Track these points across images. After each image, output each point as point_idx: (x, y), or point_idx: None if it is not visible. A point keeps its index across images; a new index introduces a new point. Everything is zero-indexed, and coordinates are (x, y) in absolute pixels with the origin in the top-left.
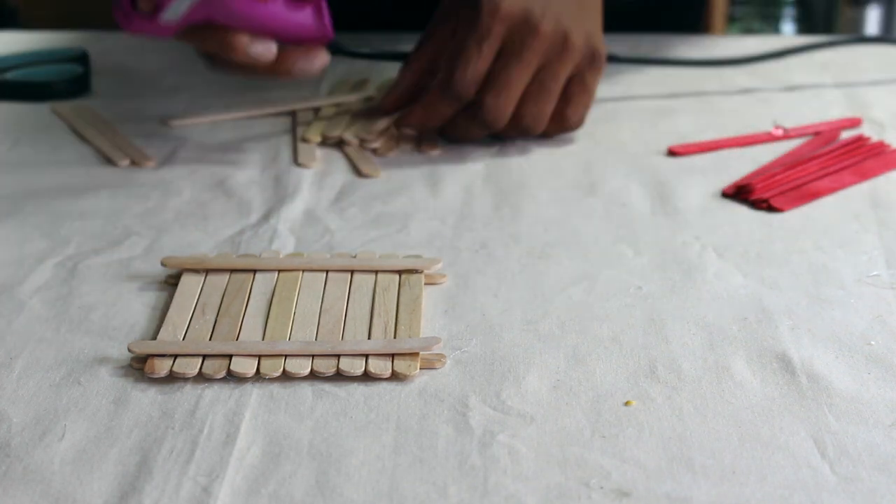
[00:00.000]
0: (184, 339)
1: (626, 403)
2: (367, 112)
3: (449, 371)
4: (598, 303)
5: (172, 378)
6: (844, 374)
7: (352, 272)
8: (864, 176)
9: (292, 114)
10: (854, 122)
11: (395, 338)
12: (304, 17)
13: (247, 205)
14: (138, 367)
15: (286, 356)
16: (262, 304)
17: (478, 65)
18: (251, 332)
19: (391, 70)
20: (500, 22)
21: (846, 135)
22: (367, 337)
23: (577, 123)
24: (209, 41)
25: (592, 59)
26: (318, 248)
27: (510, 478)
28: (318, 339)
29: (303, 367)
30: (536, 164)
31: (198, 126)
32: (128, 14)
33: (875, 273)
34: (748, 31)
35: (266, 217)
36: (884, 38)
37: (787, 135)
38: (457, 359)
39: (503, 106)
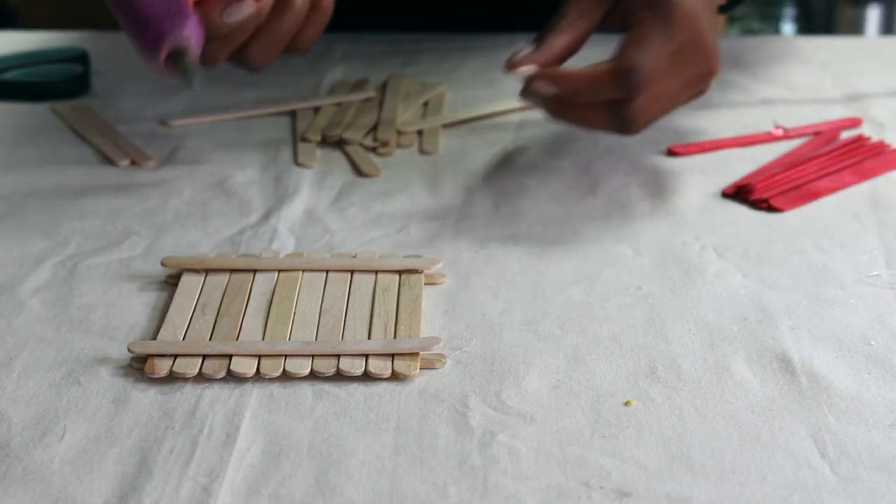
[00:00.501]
0: (184, 339)
1: (626, 403)
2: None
3: (449, 371)
4: (598, 303)
5: (172, 378)
6: (844, 374)
7: (352, 272)
8: (864, 176)
9: (292, 114)
10: (854, 122)
11: (395, 338)
12: None
13: (247, 205)
14: (138, 367)
15: (286, 356)
16: (262, 304)
17: (657, 63)
18: (251, 332)
19: (391, 69)
20: (687, 30)
21: (846, 135)
22: (367, 337)
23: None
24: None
25: (704, 91)
26: (318, 248)
27: (510, 478)
28: (318, 339)
29: (303, 367)
30: (536, 164)
31: (198, 126)
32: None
33: (875, 273)
34: (748, 31)
35: (266, 217)
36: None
37: (787, 135)
38: (457, 359)
39: (650, 114)
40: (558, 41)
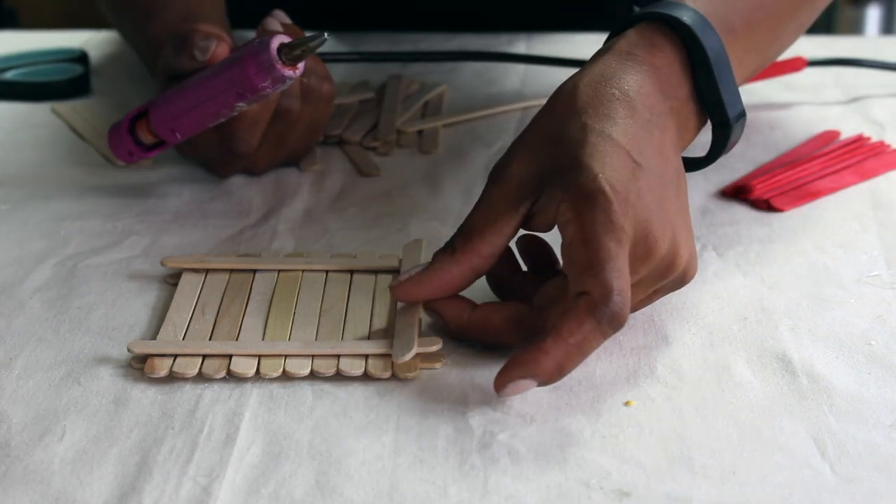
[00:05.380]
0: (184, 339)
1: (626, 403)
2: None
3: (449, 371)
4: None
5: (172, 378)
6: (844, 374)
7: (352, 272)
8: (864, 176)
9: None
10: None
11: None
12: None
13: (247, 205)
14: (138, 367)
15: (286, 356)
16: (262, 304)
17: (627, 278)
18: (251, 332)
19: (391, 69)
20: (629, 223)
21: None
22: (367, 337)
23: None
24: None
25: (680, 282)
26: (317, 248)
27: (510, 478)
28: (318, 339)
29: (303, 367)
30: None
31: None
32: (132, 151)
33: (875, 273)
34: None
35: (266, 217)
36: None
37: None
38: (457, 359)
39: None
40: (452, 271)
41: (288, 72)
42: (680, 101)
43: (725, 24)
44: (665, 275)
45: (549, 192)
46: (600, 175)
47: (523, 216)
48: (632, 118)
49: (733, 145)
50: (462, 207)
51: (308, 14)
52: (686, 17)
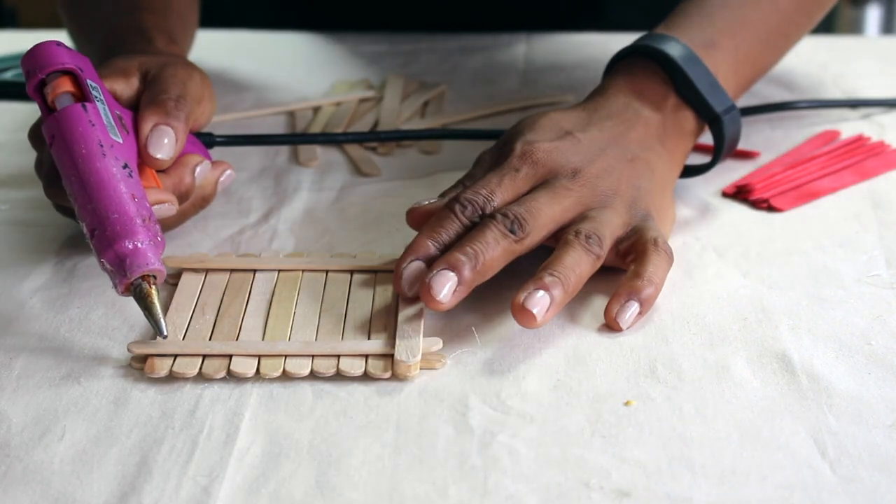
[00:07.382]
0: (184, 339)
1: (626, 403)
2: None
3: (449, 371)
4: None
5: (172, 378)
6: (844, 374)
7: (351, 272)
8: (864, 176)
9: (291, 114)
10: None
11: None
12: None
13: (247, 205)
14: (138, 367)
15: (286, 356)
16: (262, 304)
17: (495, 186)
18: (251, 332)
19: (391, 69)
20: (530, 164)
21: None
22: (366, 337)
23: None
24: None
25: (649, 237)
26: (318, 248)
27: (510, 478)
28: (318, 339)
29: (303, 367)
30: None
31: None
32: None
33: (875, 273)
34: None
35: (266, 217)
36: None
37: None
38: (457, 359)
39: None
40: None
41: None
42: (669, 109)
43: (703, 40)
44: (608, 213)
45: None
46: (523, 134)
47: None
48: (583, 110)
49: (734, 141)
50: None
51: (308, 14)
52: (648, 41)
